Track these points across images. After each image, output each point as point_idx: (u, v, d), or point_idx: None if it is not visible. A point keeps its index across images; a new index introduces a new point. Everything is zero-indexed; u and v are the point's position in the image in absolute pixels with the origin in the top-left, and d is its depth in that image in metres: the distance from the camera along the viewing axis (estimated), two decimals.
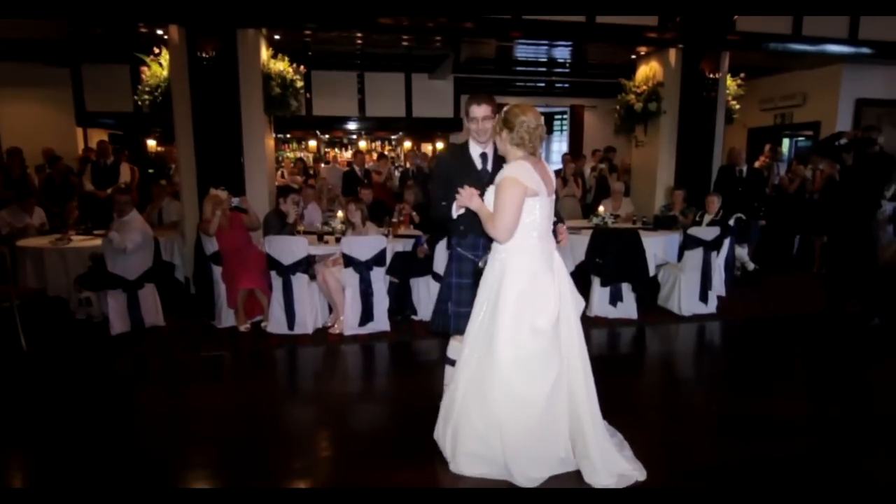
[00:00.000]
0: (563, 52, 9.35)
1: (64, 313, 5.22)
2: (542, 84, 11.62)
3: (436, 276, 4.97)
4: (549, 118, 12.55)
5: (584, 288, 5.44)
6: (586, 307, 5.23)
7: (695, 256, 5.29)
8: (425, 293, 5.08)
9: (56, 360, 4.30)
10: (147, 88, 5.89)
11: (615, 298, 5.18)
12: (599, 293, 5.23)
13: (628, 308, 5.20)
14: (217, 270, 4.97)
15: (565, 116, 12.16)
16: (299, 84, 6.28)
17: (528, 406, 2.45)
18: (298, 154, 10.14)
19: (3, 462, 2.87)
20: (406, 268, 5.08)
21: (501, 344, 2.43)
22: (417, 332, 4.88)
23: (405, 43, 7.81)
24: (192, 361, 4.34)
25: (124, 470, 2.78)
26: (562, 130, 12.37)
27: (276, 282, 4.75)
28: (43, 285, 5.13)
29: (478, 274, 2.69)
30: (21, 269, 5.23)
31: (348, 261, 4.64)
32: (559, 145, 12.43)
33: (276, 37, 6.30)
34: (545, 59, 9.91)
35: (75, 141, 8.81)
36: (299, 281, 4.72)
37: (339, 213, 5.39)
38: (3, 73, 8.25)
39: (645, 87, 6.89)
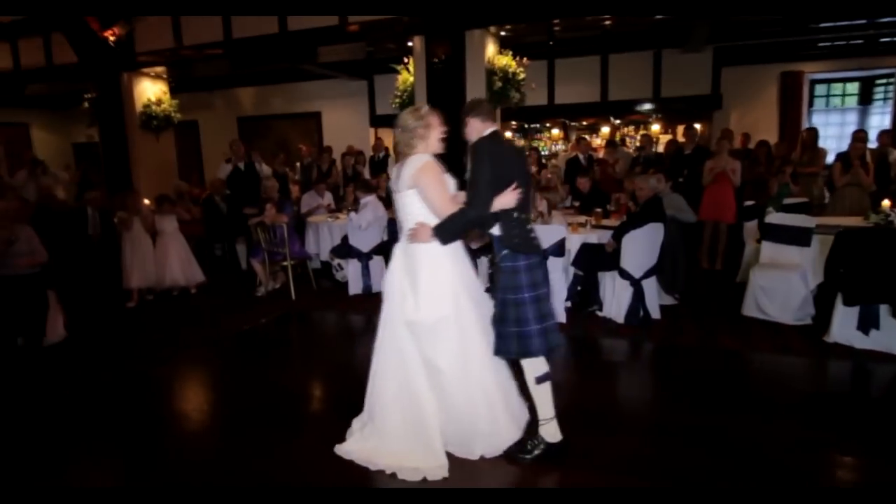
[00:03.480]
0: None
1: (327, 274, 6.75)
2: (859, 41, 9.05)
3: (622, 273, 4.65)
4: (867, 84, 9.65)
5: (826, 305, 4.28)
6: (825, 332, 4.10)
7: None
8: (610, 288, 4.80)
9: (311, 310, 5.69)
10: (398, 92, 7.01)
11: (867, 323, 3.92)
12: (842, 314, 4.04)
13: (887, 338, 3.88)
14: None
15: (891, 80, 9.19)
16: (521, 76, 6.52)
17: None
18: (534, 144, 10.36)
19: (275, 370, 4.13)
20: (592, 260, 4.88)
21: None
22: (591, 327, 4.71)
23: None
24: None
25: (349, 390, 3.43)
26: (884, 99, 9.39)
27: None
28: (317, 252, 6.74)
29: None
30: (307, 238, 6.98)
31: None
32: (880, 119, 9.45)
33: (503, 33, 6.64)
34: None
35: (368, 139, 10.96)
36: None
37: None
38: (325, 88, 10.85)
39: None
